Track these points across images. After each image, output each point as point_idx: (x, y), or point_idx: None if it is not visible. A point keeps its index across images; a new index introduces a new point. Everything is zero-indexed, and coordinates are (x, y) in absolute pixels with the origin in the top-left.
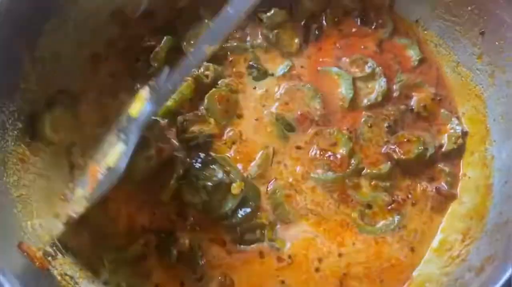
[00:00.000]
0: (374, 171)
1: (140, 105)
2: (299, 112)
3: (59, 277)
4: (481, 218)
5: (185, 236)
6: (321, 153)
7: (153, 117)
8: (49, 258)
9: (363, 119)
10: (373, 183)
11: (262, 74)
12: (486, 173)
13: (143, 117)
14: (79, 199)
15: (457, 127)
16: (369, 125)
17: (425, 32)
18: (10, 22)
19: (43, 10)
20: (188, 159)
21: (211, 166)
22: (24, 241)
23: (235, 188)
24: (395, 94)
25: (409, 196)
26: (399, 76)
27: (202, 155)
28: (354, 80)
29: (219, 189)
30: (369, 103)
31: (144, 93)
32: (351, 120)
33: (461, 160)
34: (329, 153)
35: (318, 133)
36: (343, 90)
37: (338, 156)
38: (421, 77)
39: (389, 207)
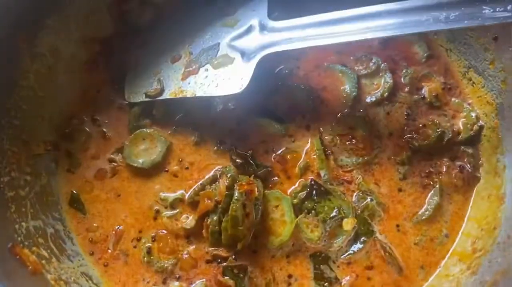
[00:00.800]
0: (397, 158)
1: None
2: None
3: (52, 282)
4: (492, 229)
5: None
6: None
7: None
8: (43, 262)
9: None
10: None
11: None
12: (498, 182)
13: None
14: None
15: (472, 113)
16: (386, 112)
17: (435, 36)
18: (9, 17)
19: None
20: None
21: (328, 197)
22: (17, 243)
23: (347, 224)
24: (406, 89)
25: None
26: (405, 70)
27: (314, 184)
28: (359, 78)
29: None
30: (372, 100)
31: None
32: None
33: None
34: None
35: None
36: (347, 88)
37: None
38: (428, 69)
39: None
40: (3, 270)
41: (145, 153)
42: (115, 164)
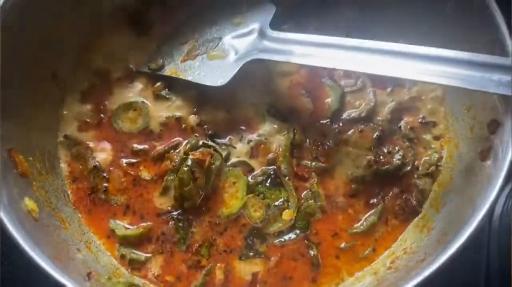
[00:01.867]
0: (354, 174)
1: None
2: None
3: (35, 188)
4: (412, 253)
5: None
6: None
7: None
8: (34, 171)
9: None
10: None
11: None
12: (434, 216)
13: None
14: None
15: (435, 155)
16: (359, 130)
17: None
18: None
19: None
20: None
21: (279, 188)
22: (16, 149)
23: (286, 215)
24: (385, 115)
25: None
26: (391, 98)
27: (272, 174)
28: (344, 93)
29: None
30: (350, 116)
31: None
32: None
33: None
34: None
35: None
36: (331, 100)
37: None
38: (412, 102)
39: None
40: None
41: (129, 120)
42: (102, 115)
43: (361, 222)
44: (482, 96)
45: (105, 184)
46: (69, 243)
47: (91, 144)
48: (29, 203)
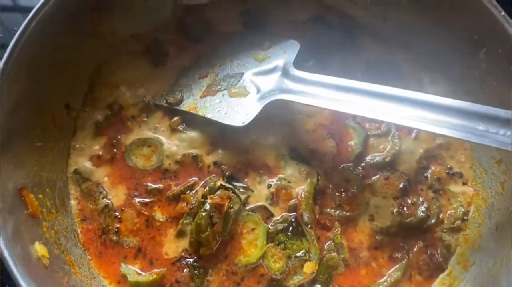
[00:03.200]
0: (379, 225)
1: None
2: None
3: (45, 229)
4: None
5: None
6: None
7: None
8: (43, 210)
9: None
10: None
11: None
12: (462, 275)
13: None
14: None
15: (460, 209)
16: (385, 177)
17: None
18: None
19: None
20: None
21: (301, 238)
22: (27, 187)
23: (308, 267)
24: (412, 163)
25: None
26: (418, 144)
27: (293, 221)
28: (368, 136)
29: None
30: (374, 161)
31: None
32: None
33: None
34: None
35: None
36: (354, 143)
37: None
38: (439, 151)
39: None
40: (9, 205)
41: (143, 157)
42: (115, 150)
43: (385, 278)
44: None
45: (117, 225)
46: None
47: (102, 181)
48: (39, 248)
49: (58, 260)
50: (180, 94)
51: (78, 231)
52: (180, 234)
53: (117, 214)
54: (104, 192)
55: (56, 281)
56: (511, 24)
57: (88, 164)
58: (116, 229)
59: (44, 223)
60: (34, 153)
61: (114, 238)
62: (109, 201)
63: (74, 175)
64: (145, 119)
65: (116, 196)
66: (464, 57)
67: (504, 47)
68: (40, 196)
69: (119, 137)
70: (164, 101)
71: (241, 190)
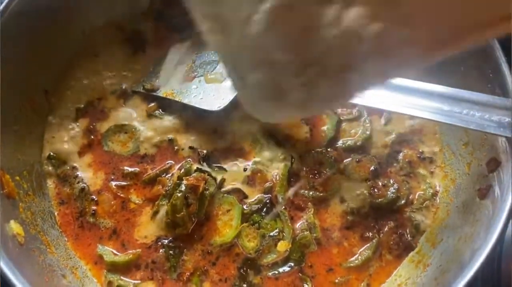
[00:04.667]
0: (350, 205)
1: None
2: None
3: (21, 209)
4: None
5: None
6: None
7: None
8: (20, 191)
9: (353, 154)
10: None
11: None
12: (430, 252)
13: None
14: None
15: (429, 190)
16: (357, 160)
17: None
18: None
19: None
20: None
21: (275, 218)
22: (3, 169)
23: (281, 246)
24: (383, 146)
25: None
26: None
27: (268, 202)
28: (340, 121)
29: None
30: (344, 145)
31: None
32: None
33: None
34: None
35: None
36: (327, 128)
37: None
38: (412, 135)
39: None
40: None
41: (120, 143)
42: (92, 137)
43: (356, 256)
44: (479, 133)
45: (94, 207)
46: (54, 269)
47: (78, 165)
48: (14, 227)
49: (35, 239)
50: (157, 81)
51: (55, 214)
52: (156, 215)
53: (94, 197)
54: (80, 176)
55: (32, 259)
56: None
57: (64, 149)
58: (93, 211)
59: (20, 204)
60: (11, 136)
61: (91, 220)
62: (85, 185)
63: (49, 161)
64: (123, 105)
65: (93, 179)
66: None
67: None
68: (17, 178)
69: (96, 123)
70: (142, 87)
71: (215, 169)
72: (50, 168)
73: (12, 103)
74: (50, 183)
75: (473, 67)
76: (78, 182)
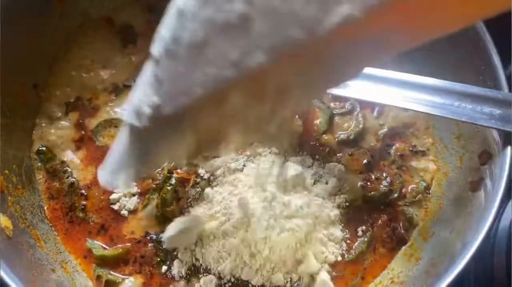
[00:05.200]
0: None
1: None
2: None
3: (10, 203)
4: (400, 283)
5: None
6: None
7: None
8: (9, 185)
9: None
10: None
11: None
12: (422, 246)
13: None
14: None
15: (422, 183)
16: (349, 153)
17: None
18: None
19: None
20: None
21: None
22: None
23: None
24: (376, 140)
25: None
26: (383, 121)
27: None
28: (333, 115)
29: None
30: (339, 138)
31: None
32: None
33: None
34: None
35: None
36: (319, 122)
37: None
38: (404, 129)
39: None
40: None
41: (111, 138)
42: (83, 132)
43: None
44: (470, 125)
45: (84, 202)
46: (44, 263)
47: (68, 160)
48: (3, 220)
49: (24, 233)
50: None
51: (45, 208)
52: (146, 209)
53: (84, 191)
54: (70, 171)
55: (20, 253)
56: None
57: (54, 143)
58: (83, 206)
59: (9, 197)
60: (0, 130)
61: (81, 215)
62: (74, 180)
63: (38, 155)
64: (113, 98)
65: (83, 174)
66: None
67: None
68: (6, 171)
69: (86, 118)
70: (133, 81)
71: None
72: (39, 163)
73: (1, 97)
74: (40, 178)
75: (465, 60)
76: (68, 177)
